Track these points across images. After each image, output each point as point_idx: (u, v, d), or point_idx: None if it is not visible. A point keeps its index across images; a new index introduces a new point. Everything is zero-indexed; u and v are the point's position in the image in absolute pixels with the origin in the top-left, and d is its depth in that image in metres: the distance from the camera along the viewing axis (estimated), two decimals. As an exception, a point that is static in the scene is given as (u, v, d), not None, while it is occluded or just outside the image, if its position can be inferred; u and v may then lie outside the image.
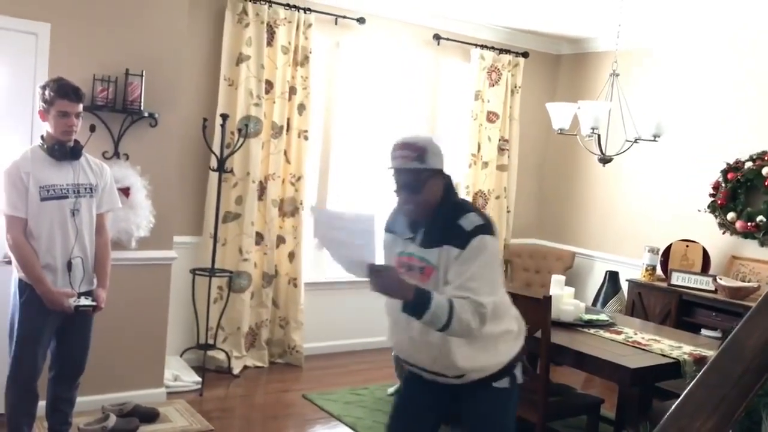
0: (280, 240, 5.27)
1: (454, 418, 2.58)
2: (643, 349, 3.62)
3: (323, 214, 2.31)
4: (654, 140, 4.17)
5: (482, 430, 2.50)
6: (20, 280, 3.17)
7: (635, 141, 4.22)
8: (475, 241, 2.27)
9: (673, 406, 1.11)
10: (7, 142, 3.63)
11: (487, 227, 2.33)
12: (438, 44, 5.89)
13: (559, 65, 6.71)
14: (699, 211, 5.30)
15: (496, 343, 2.42)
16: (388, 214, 2.56)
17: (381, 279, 2.21)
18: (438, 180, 2.37)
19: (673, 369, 3.46)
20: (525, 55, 6.29)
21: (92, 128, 3.80)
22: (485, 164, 6.16)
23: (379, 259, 2.32)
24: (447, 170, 2.42)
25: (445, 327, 2.22)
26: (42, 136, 3.21)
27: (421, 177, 2.33)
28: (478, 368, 2.40)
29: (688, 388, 1.11)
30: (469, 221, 2.31)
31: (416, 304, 2.21)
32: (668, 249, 5.45)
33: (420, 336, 2.38)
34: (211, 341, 4.92)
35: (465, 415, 2.50)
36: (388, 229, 2.53)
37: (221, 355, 4.97)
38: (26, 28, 3.70)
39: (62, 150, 3.17)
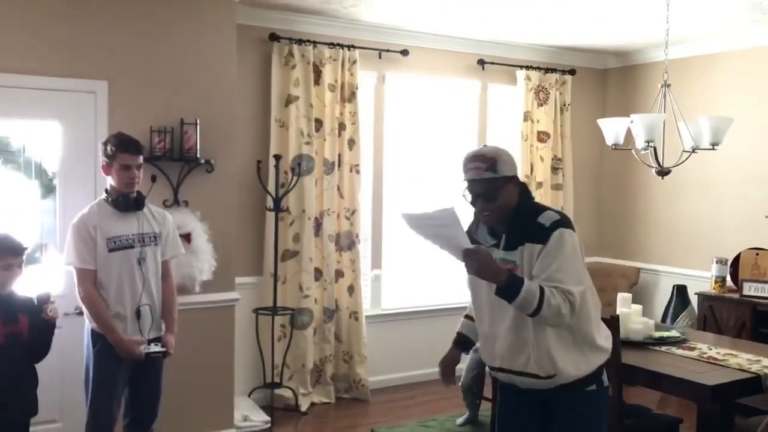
0: (339, 274, 5.30)
1: (546, 428, 2.60)
2: (720, 365, 3.49)
3: (412, 218, 2.43)
4: (712, 148, 4.06)
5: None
6: (92, 331, 3.26)
7: (693, 151, 4.11)
8: (556, 235, 2.37)
9: (763, 424, 1.07)
10: (73, 197, 3.78)
11: (565, 222, 2.43)
12: (483, 69, 5.90)
13: (607, 80, 6.63)
14: (766, 217, 5.11)
15: (591, 350, 2.49)
16: (468, 225, 2.63)
17: (475, 261, 2.32)
18: (511, 186, 2.47)
19: (754, 384, 3.32)
20: (572, 72, 6.24)
21: (153, 178, 3.93)
22: (539, 184, 6.10)
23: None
24: (524, 174, 2.52)
25: (536, 311, 2.30)
26: (106, 190, 3.32)
27: (495, 185, 2.43)
28: (571, 368, 2.45)
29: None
30: (547, 218, 2.42)
31: (508, 286, 2.30)
32: (737, 258, 5.27)
33: (514, 336, 2.46)
34: (277, 379, 4.96)
35: (559, 421, 2.54)
36: (471, 239, 2.57)
37: (288, 393, 5.00)
38: (85, 87, 3.87)
39: (126, 202, 3.27)
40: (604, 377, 2.56)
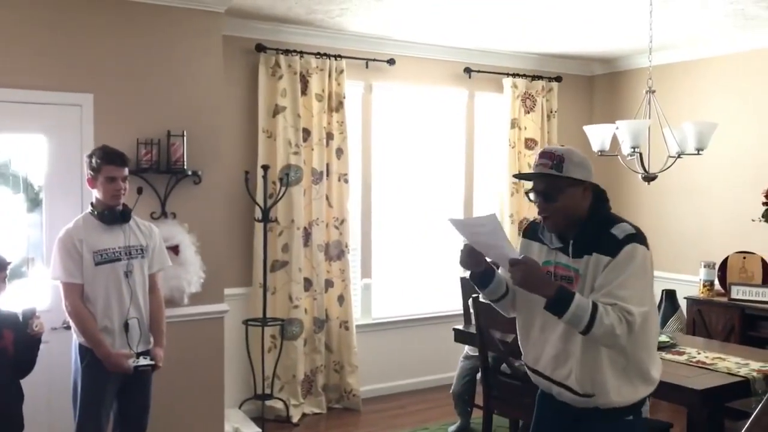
0: (329, 284, 5.29)
1: None
2: (709, 369, 3.51)
3: (458, 224, 2.39)
4: (698, 153, 4.08)
5: None
6: (80, 345, 3.24)
7: (679, 156, 4.14)
8: (628, 248, 2.24)
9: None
10: (60, 210, 3.76)
11: (640, 237, 2.30)
12: (469, 77, 5.92)
13: (593, 86, 6.66)
14: (753, 220, 5.15)
15: (641, 380, 2.34)
16: (530, 222, 2.57)
17: (520, 271, 2.22)
18: (579, 190, 2.34)
19: (743, 387, 3.34)
20: (558, 79, 6.28)
21: (139, 191, 3.91)
22: (527, 191, 6.10)
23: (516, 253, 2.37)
24: (595, 182, 2.41)
25: (587, 329, 2.17)
26: (92, 203, 3.31)
27: (557, 184, 2.31)
28: (614, 394, 2.30)
29: (755, 413, 1.07)
30: (621, 230, 2.29)
31: (557, 300, 2.18)
32: (725, 262, 5.29)
33: (562, 345, 2.34)
34: (268, 391, 4.93)
35: None
36: (534, 238, 2.50)
37: (279, 404, 4.98)
38: (71, 100, 3.85)
39: (112, 214, 3.26)
40: (645, 408, 2.41)
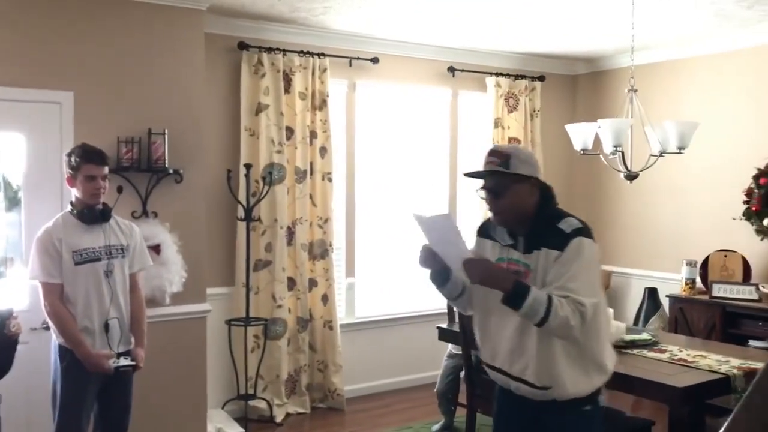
0: (312, 283, 5.27)
1: None
2: (690, 367, 3.53)
3: (421, 220, 2.41)
4: (680, 152, 4.11)
5: None
6: (60, 346, 3.20)
7: (660, 155, 4.16)
8: (575, 242, 2.30)
9: (721, 430, 1.07)
10: (39, 210, 3.71)
11: (586, 231, 2.36)
12: (453, 76, 5.92)
13: (577, 85, 6.69)
14: (734, 219, 5.19)
15: (595, 370, 2.41)
16: (483, 221, 2.61)
17: (477, 270, 2.29)
18: (526, 186, 2.39)
19: (724, 384, 3.36)
20: (541, 78, 6.30)
21: (120, 189, 3.87)
22: (511, 190, 6.11)
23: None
24: (542, 178, 2.46)
25: (543, 321, 2.22)
26: (71, 202, 3.27)
27: (504, 181, 2.37)
28: (570, 385, 2.36)
29: (734, 411, 1.07)
30: (568, 224, 2.35)
31: (515, 294, 2.24)
32: (706, 261, 5.34)
33: (517, 340, 2.38)
34: (251, 391, 4.91)
35: None
36: (486, 236, 2.55)
37: (263, 404, 4.95)
38: (50, 98, 3.81)
39: (92, 213, 3.22)
40: (601, 398, 2.49)
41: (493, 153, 2.41)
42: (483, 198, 2.46)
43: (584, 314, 2.24)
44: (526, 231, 2.41)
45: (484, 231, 2.57)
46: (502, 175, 2.37)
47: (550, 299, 2.22)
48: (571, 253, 2.29)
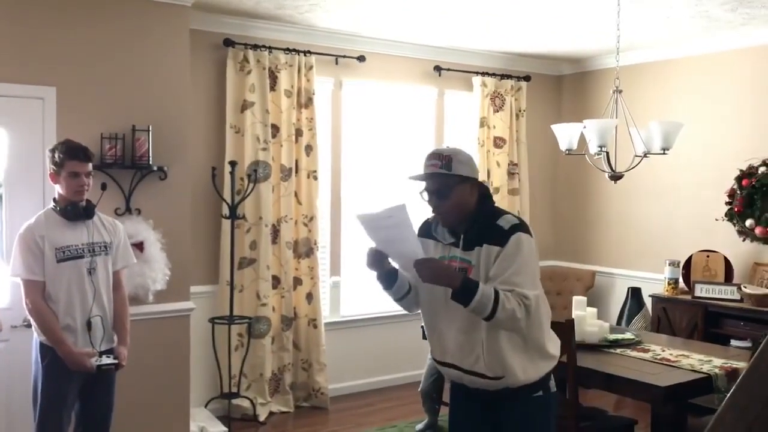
0: (297, 282, 5.25)
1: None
2: (673, 366, 3.55)
3: (365, 219, 2.46)
4: (663, 153, 4.14)
5: None
6: (41, 344, 3.16)
7: (645, 155, 4.19)
8: (514, 238, 2.40)
9: (705, 430, 1.08)
10: (21, 206, 3.67)
11: (524, 227, 2.46)
12: (439, 75, 5.92)
13: (562, 86, 6.72)
14: (716, 220, 5.24)
15: (540, 357, 2.51)
16: (423, 221, 2.66)
17: (427, 269, 2.35)
18: (467, 187, 2.48)
19: (706, 384, 3.38)
20: (527, 78, 6.31)
21: (103, 186, 3.83)
22: (496, 189, 6.14)
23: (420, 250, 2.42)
24: (480, 179, 2.53)
25: (491, 315, 2.31)
26: (54, 199, 3.23)
27: (448, 183, 2.45)
28: (520, 372, 2.45)
29: (718, 411, 1.08)
30: (506, 221, 2.44)
31: (464, 290, 2.31)
32: (689, 261, 5.38)
33: (466, 335, 2.46)
34: (234, 389, 4.88)
35: (507, 427, 2.55)
36: (428, 236, 2.61)
37: (246, 403, 4.93)
38: (32, 93, 3.76)
39: (75, 210, 3.19)
40: (552, 383, 2.58)
41: (434, 156, 2.48)
42: (426, 200, 2.52)
43: (529, 306, 2.35)
44: (467, 229, 2.49)
45: (425, 231, 2.63)
46: (446, 177, 2.45)
47: (497, 294, 2.31)
48: (511, 249, 2.39)
